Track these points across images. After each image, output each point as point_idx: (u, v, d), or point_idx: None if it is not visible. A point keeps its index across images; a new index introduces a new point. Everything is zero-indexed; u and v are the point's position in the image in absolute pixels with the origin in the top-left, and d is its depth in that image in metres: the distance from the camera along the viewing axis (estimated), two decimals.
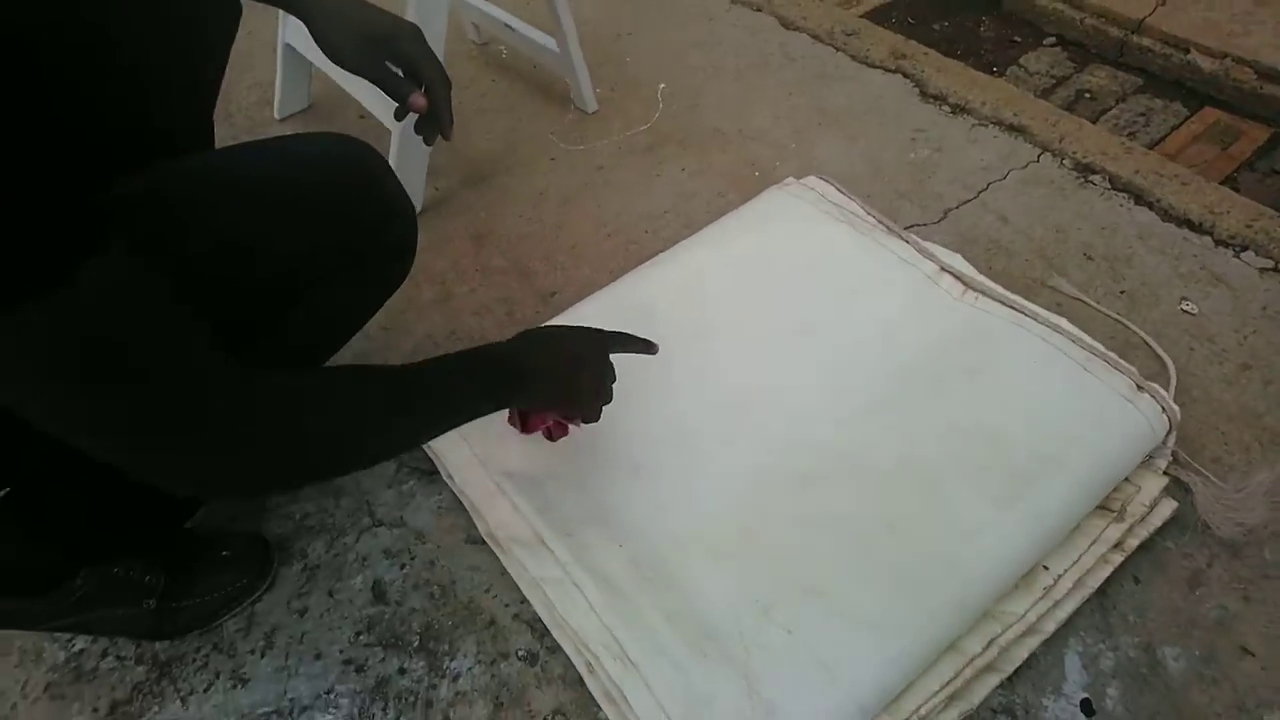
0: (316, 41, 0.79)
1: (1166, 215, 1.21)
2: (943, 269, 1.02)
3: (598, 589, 0.78)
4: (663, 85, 1.52)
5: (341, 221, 0.78)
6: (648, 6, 1.73)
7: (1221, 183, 1.34)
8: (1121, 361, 0.92)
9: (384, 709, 0.80)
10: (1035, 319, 0.96)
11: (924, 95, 1.44)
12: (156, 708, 0.81)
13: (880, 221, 1.09)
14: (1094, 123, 1.47)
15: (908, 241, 1.06)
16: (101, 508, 0.71)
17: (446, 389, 0.67)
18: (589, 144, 1.41)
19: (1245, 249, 1.16)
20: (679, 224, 1.25)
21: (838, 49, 1.55)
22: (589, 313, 1.03)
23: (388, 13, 0.80)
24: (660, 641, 0.75)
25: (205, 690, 0.82)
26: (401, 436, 0.64)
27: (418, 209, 1.30)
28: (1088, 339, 0.94)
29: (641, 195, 1.31)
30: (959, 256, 1.05)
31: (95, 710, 0.81)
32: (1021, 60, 1.64)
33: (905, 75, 1.48)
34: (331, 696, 0.81)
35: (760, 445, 0.88)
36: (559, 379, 0.75)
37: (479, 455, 0.90)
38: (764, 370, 0.94)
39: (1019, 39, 1.70)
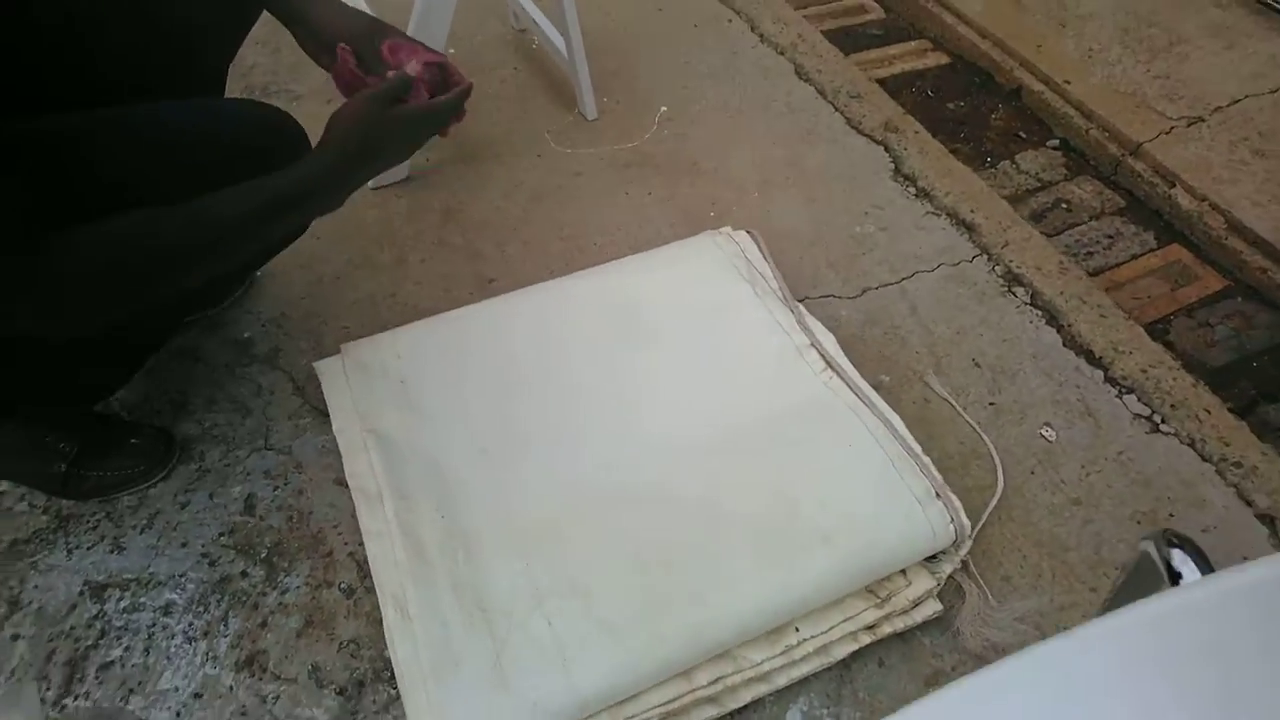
0: (301, 43, 0.93)
1: (1070, 342, 1.27)
2: (811, 344, 1.11)
3: (405, 549, 0.92)
4: (664, 108, 1.62)
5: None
6: (679, 27, 1.81)
7: (1154, 322, 1.39)
8: (931, 468, 1.00)
9: (219, 601, 0.95)
10: (871, 409, 1.05)
11: (896, 173, 1.51)
12: (46, 552, 0.98)
13: (779, 290, 1.19)
14: (1055, 235, 1.52)
15: (793, 312, 1.16)
16: (21, 382, 0.87)
17: (275, 204, 0.77)
18: (576, 149, 1.53)
19: (1130, 392, 1.21)
20: (625, 243, 1.36)
21: (836, 109, 1.63)
22: (486, 313, 1.15)
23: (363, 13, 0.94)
24: (439, 605, 0.88)
25: (88, 549, 0.99)
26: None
27: (405, 175, 1.44)
28: (910, 440, 1.03)
29: (604, 208, 1.42)
30: (832, 337, 1.14)
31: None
32: (1017, 156, 1.69)
33: (887, 149, 1.55)
34: (182, 580, 0.97)
35: (588, 457, 1.00)
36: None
37: (359, 409, 1.04)
38: (614, 393, 1.06)
39: (1025, 134, 1.74)
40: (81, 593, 0.95)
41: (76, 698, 0.88)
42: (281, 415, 1.11)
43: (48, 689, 0.88)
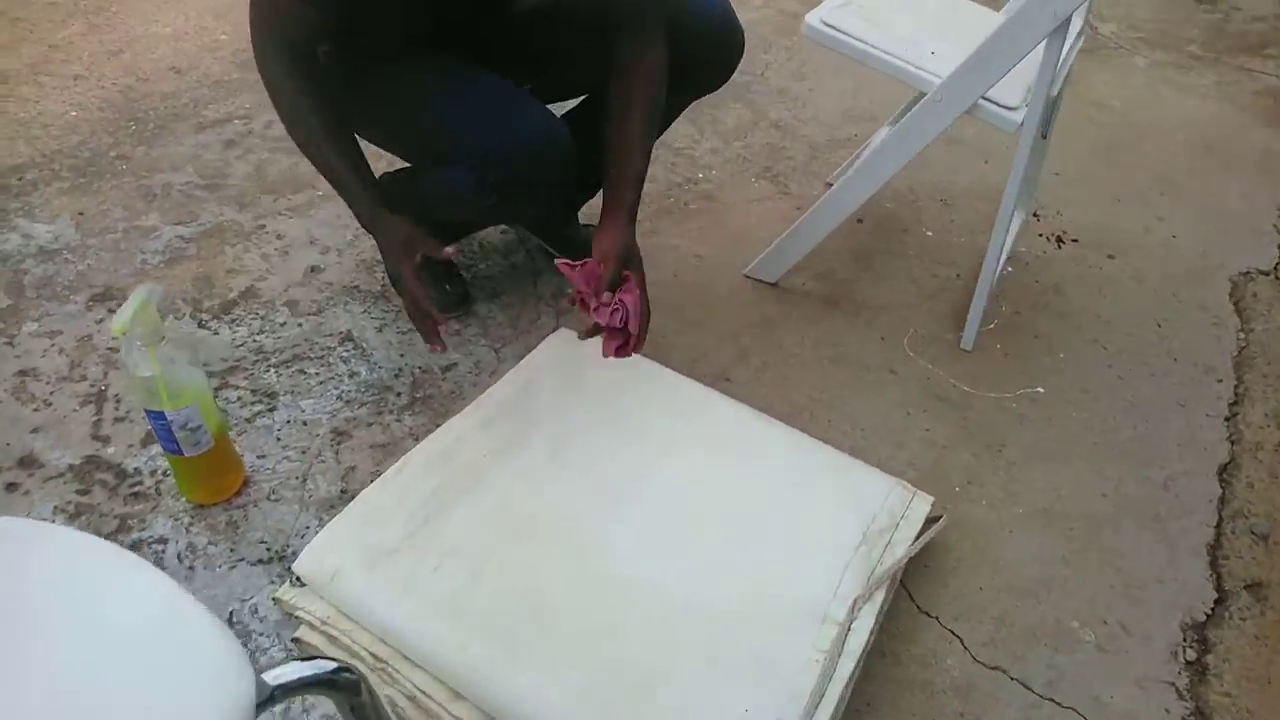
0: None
1: None
2: (845, 624, 0.97)
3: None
4: (1040, 389, 1.42)
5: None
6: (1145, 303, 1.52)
7: None
8: None
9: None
10: None
11: None
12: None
13: (884, 565, 1.04)
14: None
15: (865, 601, 1.02)
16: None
17: (341, 191, 1.13)
18: (932, 365, 1.46)
19: None
20: (870, 452, 1.29)
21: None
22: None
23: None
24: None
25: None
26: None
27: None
28: None
29: (894, 427, 1.36)
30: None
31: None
32: None
33: None
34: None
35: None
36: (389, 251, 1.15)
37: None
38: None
39: None
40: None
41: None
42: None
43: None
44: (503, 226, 1.59)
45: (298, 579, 1.01)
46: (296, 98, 1.09)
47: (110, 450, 1.17)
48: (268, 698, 0.47)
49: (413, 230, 1.12)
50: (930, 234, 1.75)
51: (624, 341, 1.13)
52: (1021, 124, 1.25)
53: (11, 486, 1.12)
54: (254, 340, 1.35)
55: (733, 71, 1.31)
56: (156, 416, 1.01)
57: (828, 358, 1.45)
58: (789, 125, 2.01)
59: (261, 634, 1.00)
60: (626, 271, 1.13)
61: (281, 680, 0.48)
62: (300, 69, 1.08)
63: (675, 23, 1.20)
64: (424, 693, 0.93)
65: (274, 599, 1.01)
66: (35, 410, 1.21)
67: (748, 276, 1.58)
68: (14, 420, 1.19)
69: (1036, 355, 1.51)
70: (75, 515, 1.09)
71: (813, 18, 1.35)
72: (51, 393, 1.23)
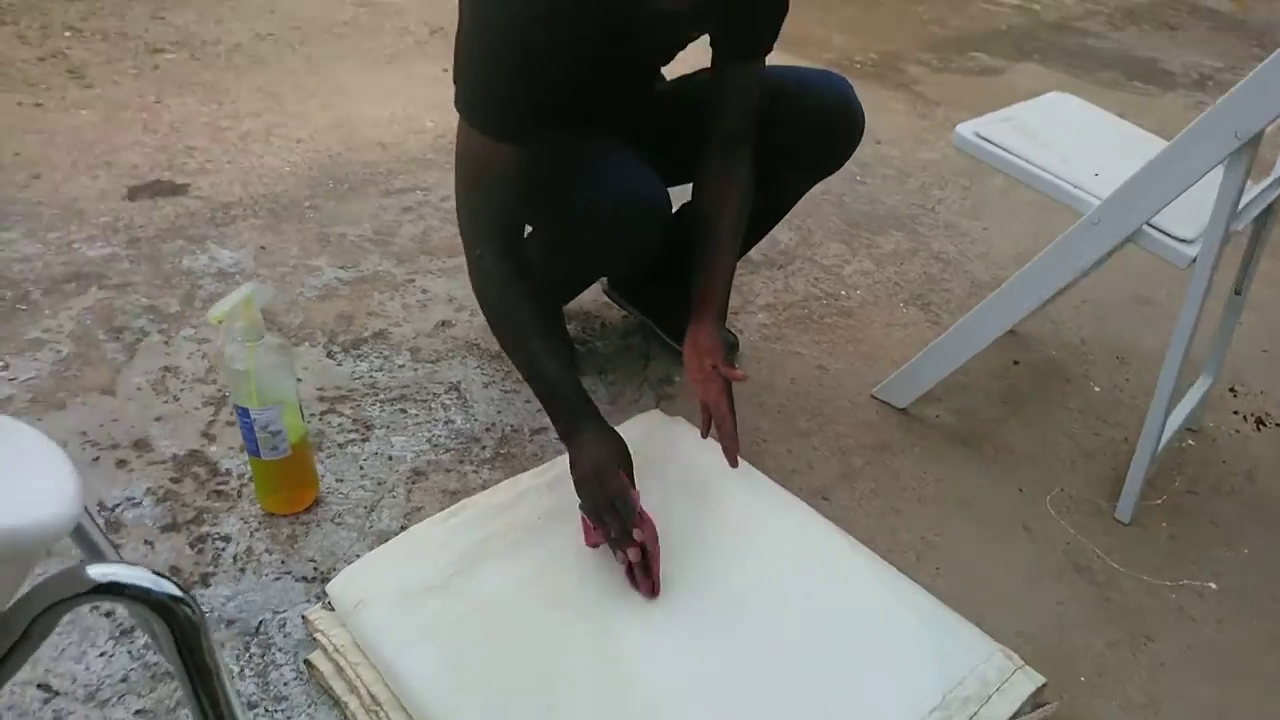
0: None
1: None
2: None
3: None
4: (1212, 585, 1.18)
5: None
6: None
7: None
8: None
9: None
10: None
11: None
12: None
13: None
14: None
15: None
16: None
17: (542, 391, 1.08)
18: (1076, 531, 1.27)
19: None
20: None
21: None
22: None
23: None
24: None
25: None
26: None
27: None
28: None
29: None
30: None
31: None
32: None
33: None
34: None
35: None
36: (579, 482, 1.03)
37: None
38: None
39: None
40: None
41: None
42: None
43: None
44: (624, 312, 1.59)
45: (328, 602, 0.99)
46: (507, 285, 1.07)
47: (213, 449, 1.23)
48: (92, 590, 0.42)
49: (612, 457, 1.03)
50: (1098, 390, 1.56)
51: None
52: (1195, 260, 1.10)
53: (121, 463, 1.19)
54: (370, 375, 1.40)
55: (851, 150, 1.29)
56: (243, 413, 1.05)
57: (950, 499, 1.29)
58: (952, 258, 1.91)
59: (281, 649, 0.98)
60: (724, 369, 1.15)
61: (110, 578, 0.43)
62: (512, 250, 1.08)
63: (792, 99, 1.20)
64: None
65: (303, 617, 0.99)
66: (165, 402, 1.30)
67: (875, 397, 1.47)
68: (145, 407, 1.29)
69: (1213, 545, 1.28)
70: (161, 500, 1.14)
71: (964, 128, 1.28)
72: (183, 390, 1.33)
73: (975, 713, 0.89)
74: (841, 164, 1.31)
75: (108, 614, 0.99)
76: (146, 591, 0.43)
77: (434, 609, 0.95)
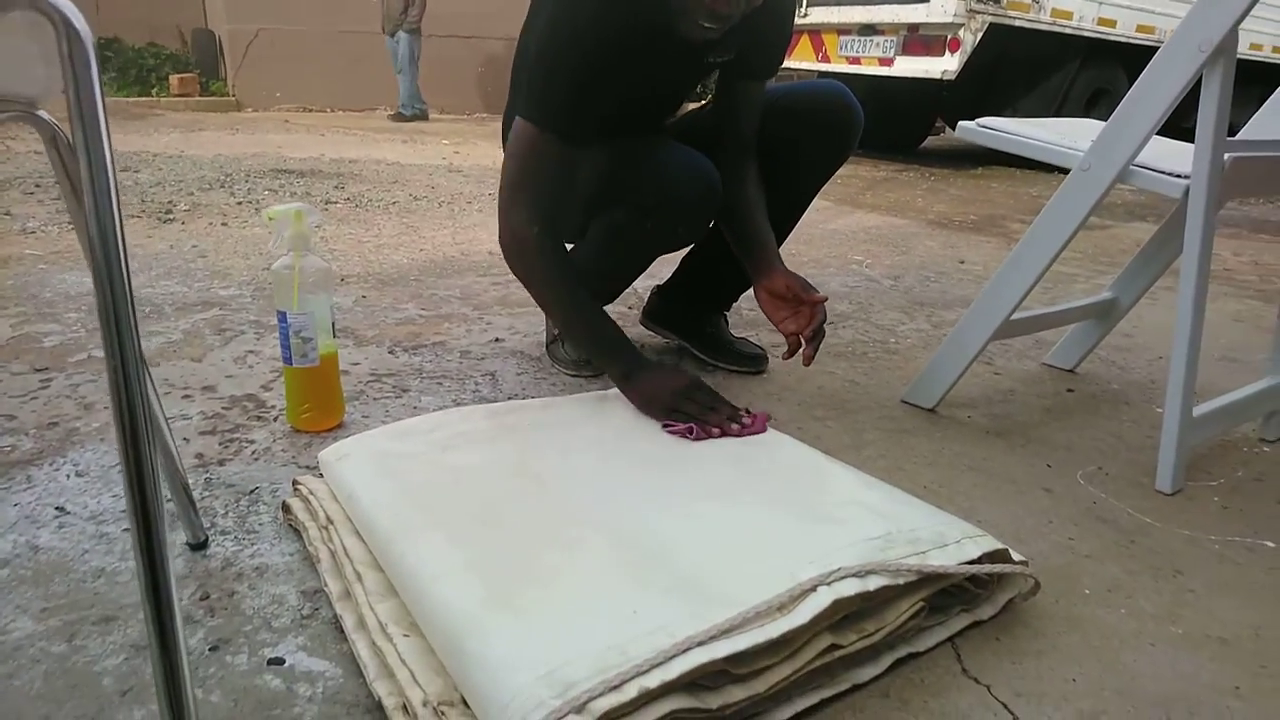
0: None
1: None
2: None
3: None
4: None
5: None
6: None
7: None
8: None
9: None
10: None
11: None
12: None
13: None
14: None
15: None
16: None
17: (599, 342, 1.23)
18: (1117, 502, 1.15)
19: None
20: None
21: None
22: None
23: None
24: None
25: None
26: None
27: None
28: None
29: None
30: None
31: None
32: None
33: None
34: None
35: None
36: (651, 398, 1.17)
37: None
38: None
39: None
40: None
41: None
42: None
43: None
44: (660, 337, 1.67)
45: (319, 472, 1.06)
46: (562, 261, 1.25)
47: (266, 394, 1.38)
48: None
49: (675, 371, 1.25)
50: (1160, 410, 1.45)
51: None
52: (1187, 191, 1.08)
53: (186, 396, 1.36)
54: (420, 365, 1.53)
55: (853, 136, 1.39)
56: (281, 318, 1.20)
57: (965, 466, 1.22)
58: None
59: (266, 504, 1.05)
60: (809, 295, 1.26)
61: None
62: (559, 238, 1.28)
63: (799, 99, 1.36)
64: (345, 550, 0.88)
65: (294, 480, 1.06)
66: (239, 368, 1.48)
67: (904, 401, 1.44)
68: (221, 369, 1.47)
69: (1275, 517, 1.11)
70: (209, 417, 1.29)
71: (966, 123, 1.36)
72: (257, 363, 1.51)
73: (924, 552, 0.81)
74: (846, 151, 1.41)
75: None
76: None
77: (407, 465, 1.01)
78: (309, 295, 1.20)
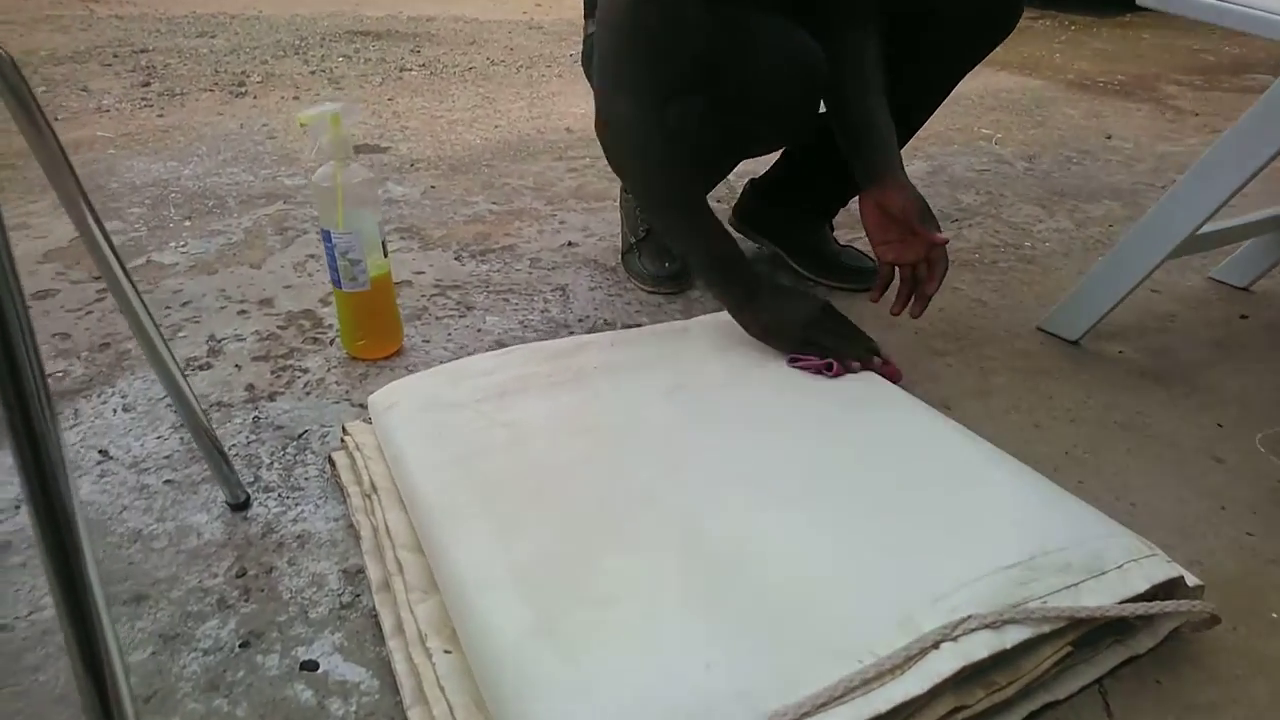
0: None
1: None
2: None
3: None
4: None
5: None
6: None
7: None
8: None
9: None
10: None
11: None
12: None
13: None
14: None
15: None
16: None
17: (696, 247, 1.02)
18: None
19: None
20: None
21: None
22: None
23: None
24: None
25: None
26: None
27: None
28: None
29: None
30: None
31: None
32: None
33: None
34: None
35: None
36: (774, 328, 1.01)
37: None
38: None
39: None
40: None
41: None
42: None
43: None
44: (756, 244, 1.48)
45: (369, 418, 0.96)
46: (670, 139, 1.01)
47: (325, 309, 1.28)
48: None
49: (801, 296, 1.06)
50: None
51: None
52: None
53: (242, 313, 1.27)
54: (487, 274, 1.40)
55: (1012, 22, 1.10)
56: (326, 237, 1.07)
57: (1115, 423, 1.02)
58: None
59: (315, 453, 0.96)
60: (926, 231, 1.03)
61: None
62: (667, 127, 1.01)
63: None
64: (387, 529, 0.79)
65: (343, 426, 0.96)
66: (299, 277, 1.38)
67: (1040, 329, 1.23)
68: (280, 279, 1.37)
69: None
70: (264, 339, 1.20)
71: None
72: (318, 270, 1.41)
73: (1075, 585, 0.65)
74: (1002, 32, 1.14)
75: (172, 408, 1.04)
76: None
77: (460, 418, 0.89)
78: (354, 211, 1.06)
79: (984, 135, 2.25)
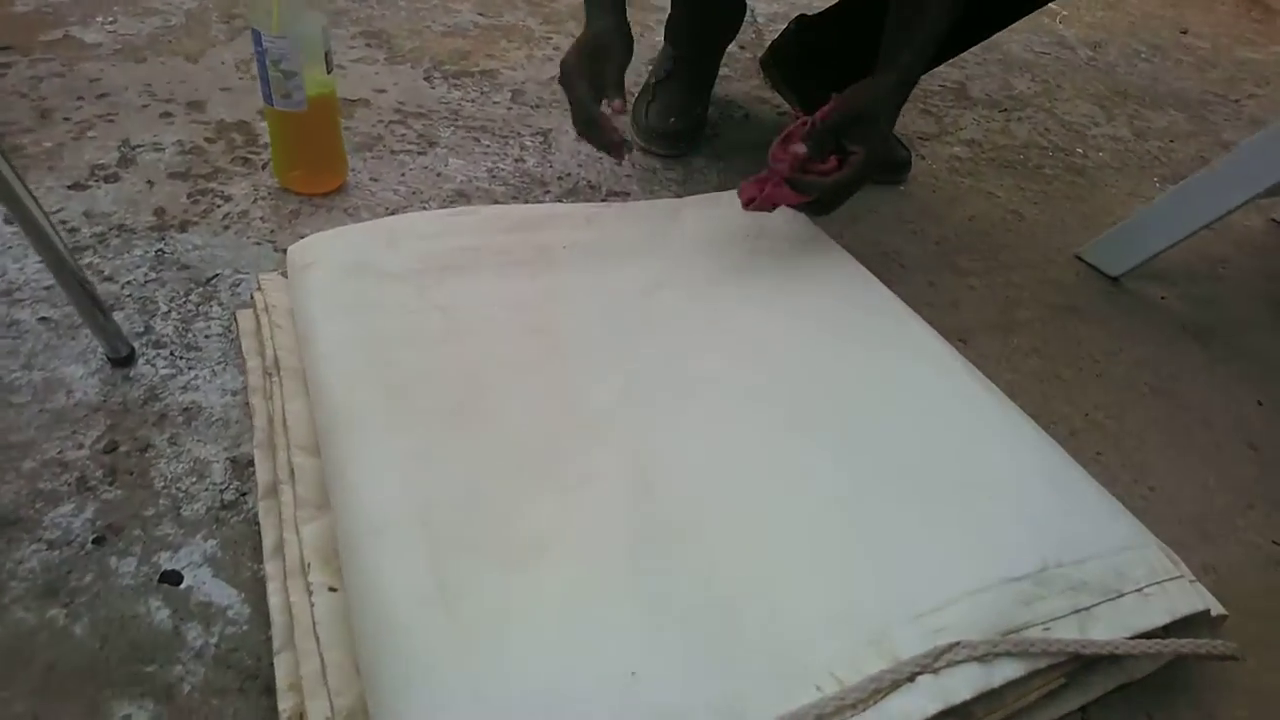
0: None
1: None
2: None
3: None
4: None
5: None
6: None
7: None
8: None
9: None
10: None
11: None
12: None
13: None
14: None
15: None
16: None
17: None
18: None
19: None
20: None
21: None
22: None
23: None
24: None
25: None
26: None
27: None
28: None
29: None
30: None
31: None
32: None
33: None
34: None
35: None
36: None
37: None
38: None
39: None
40: None
41: None
42: None
43: None
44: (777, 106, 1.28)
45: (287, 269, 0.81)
46: None
47: (264, 125, 1.09)
48: None
49: (614, 42, 0.87)
50: None
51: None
52: None
53: (166, 115, 1.09)
54: (458, 104, 1.21)
55: None
56: (256, 41, 0.88)
57: (1146, 386, 0.90)
58: None
59: (222, 305, 0.82)
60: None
61: None
62: None
63: None
64: (285, 421, 0.66)
65: (258, 278, 0.82)
66: (240, 79, 1.18)
67: (1079, 258, 1.08)
68: (218, 78, 1.18)
69: None
70: (186, 152, 1.02)
71: None
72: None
73: (1087, 608, 0.54)
74: None
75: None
76: None
77: (386, 290, 0.74)
78: (293, 8, 0.86)
79: (1048, 9, 1.98)
